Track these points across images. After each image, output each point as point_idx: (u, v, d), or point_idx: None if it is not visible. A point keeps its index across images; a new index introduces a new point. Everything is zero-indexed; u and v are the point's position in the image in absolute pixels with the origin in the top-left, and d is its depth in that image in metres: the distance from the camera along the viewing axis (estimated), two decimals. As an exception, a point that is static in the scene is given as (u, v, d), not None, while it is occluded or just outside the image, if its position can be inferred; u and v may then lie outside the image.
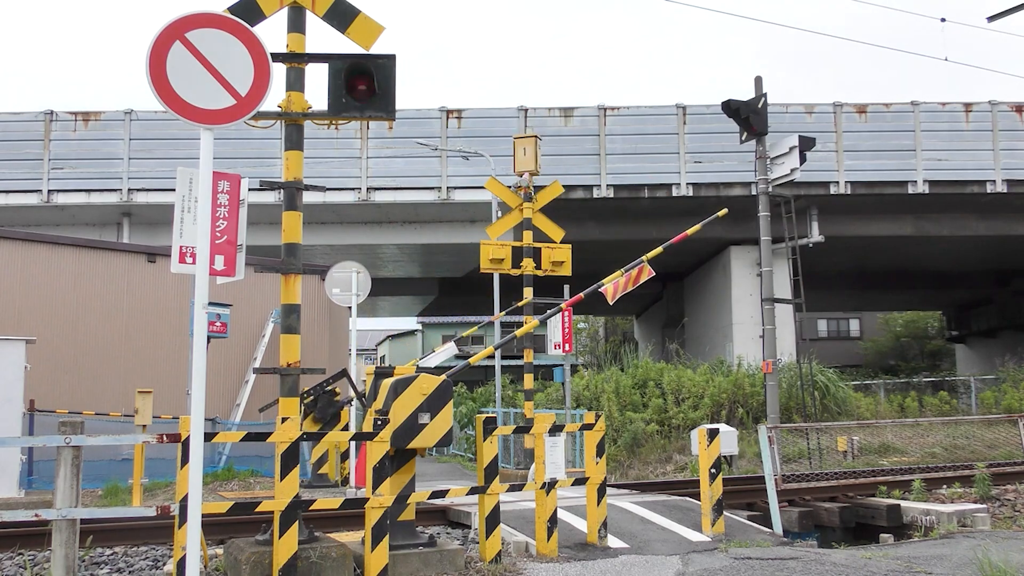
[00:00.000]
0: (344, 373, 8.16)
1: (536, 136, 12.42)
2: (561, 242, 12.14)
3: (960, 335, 40.10)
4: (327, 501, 5.95)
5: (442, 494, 6.63)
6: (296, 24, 6.10)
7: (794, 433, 16.70)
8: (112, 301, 17.42)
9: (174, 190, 5.68)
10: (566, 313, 15.68)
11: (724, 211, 9.51)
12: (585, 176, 23.38)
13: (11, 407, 12.29)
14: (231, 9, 5.85)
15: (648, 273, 8.53)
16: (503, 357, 22.11)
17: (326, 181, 20.98)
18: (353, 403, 11.79)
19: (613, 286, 8.35)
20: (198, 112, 4.86)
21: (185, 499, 4.88)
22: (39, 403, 14.09)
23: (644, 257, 8.64)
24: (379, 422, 5.89)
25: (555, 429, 7.20)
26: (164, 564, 6.80)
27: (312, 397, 10.35)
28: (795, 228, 17.60)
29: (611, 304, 8.42)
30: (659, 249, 8.95)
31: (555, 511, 6.93)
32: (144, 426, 11.50)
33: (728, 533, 7.89)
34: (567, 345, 15.64)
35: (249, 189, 6.10)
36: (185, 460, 5.05)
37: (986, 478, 10.76)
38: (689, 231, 9.18)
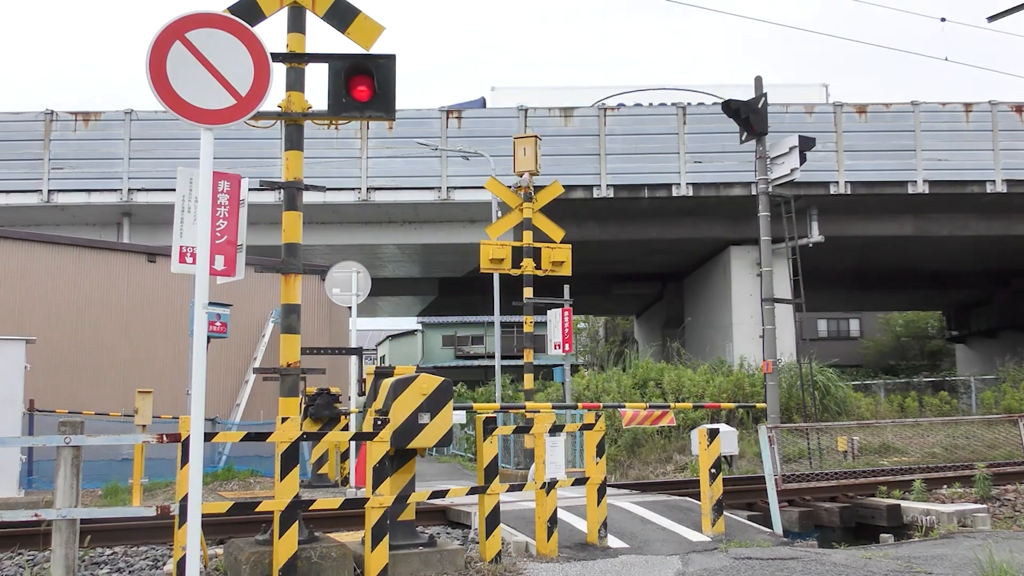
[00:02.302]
0: (358, 351, 8.15)
1: (536, 136, 12.40)
2: (561, 242, 12.13)
3: (960, 335, 40.08)
4: (327, 501, 5.95)
5: (442, 494, 6.63)
6: (296, 24, 6.10)
7: (794, 433, 16.70)
8: (112, 301, 17.41)
9: (174, 190, 5.68)
10: (566, 313, 15.70)
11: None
12: (585, 176, 23.37)
13: (11, 407, 12.28)
14: (231, 9, 5.84)
15: (669, 420, 8.71)
16: (503, 357, 22.12)
17: (326, 181, 20.94)
18: (351, 411, 11.81)
19: (634, 414, 8.47)
20: (198, 112, 4.86)
21: (185, 499, 4.88)
22: (39, 403, 14.08)
23: (672, 406, 8.82)
24: (379, 422, 5.90)
25: (555, 429, 7.20)
26: (164, 564, 6.80)
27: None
28: (795, 228, 17.59)
29: (625, 426, 8.60)
30: (688, 405, 9.27)
31: (555, 511, 6.92)
32: (144, 426, 11.50)
33: (728, 533, 7.89)
34: (567, 345, 15.64)
35: (249, 189, 6.09)
36: (185, 460, 5.04)
37: (986, 478, 10.75)
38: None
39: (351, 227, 24.95)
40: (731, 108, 15.20)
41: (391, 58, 6.12)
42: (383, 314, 46.98)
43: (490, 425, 6.61)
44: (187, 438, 5.09)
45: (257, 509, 5.65)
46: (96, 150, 23.34)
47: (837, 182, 23.42)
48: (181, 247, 5.59)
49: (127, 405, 14.08)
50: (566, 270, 12.08)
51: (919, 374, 32.32)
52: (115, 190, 23.07)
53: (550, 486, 6.93)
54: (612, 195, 23.41)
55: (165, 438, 5.47)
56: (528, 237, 11.84)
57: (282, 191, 6.05)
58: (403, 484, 6.25)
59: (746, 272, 24.95)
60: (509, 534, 7.39)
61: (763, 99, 15.28)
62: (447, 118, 23.59)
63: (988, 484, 10.72)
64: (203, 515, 4.84)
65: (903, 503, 9.99)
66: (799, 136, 15.18)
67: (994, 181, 23.33)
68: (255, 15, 5.94)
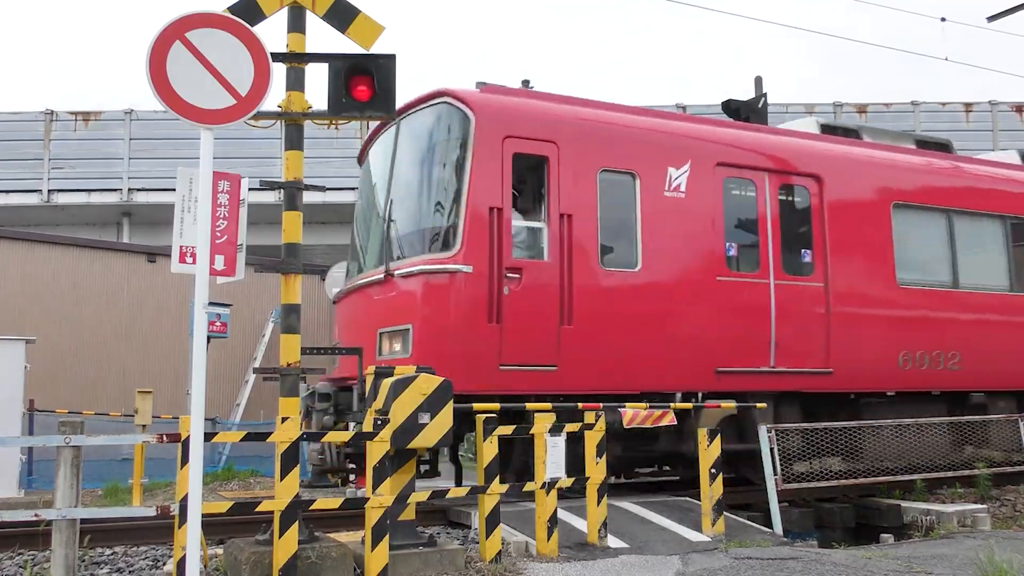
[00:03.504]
0: (359, 351, 8.22)
1: (536, 136, 12.36)
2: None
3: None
4: (327, 501, 5.96)
5: (442, 494, 6.63)
6: (296, 24, 6.10)
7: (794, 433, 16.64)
8: (112, 301, 17.41)
9: (174, 190, 5.68)
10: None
11: None
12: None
13: (11, 407, 12.29)
14: (231, 9, 5.84)
15: (669, 420, 8.67)
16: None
17: (326, 181, 20.88)
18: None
19: (634, 414, 8.45)
20: (198, 112, 4.87)
21: (185, 499, 4.88)
22: (39, 403, 14.09)
23: (672, 406, 8.76)
24: (379, 422, 5.90)
25: (555, 429, 7.20)
26: (164, 564, 6.79)
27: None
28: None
29: (625, 426, 8.46)
30: (688, 404, 9.23)
31: (555, 511, 6.92)
32: (144, 426, 11.50)
33: (728, 533, 7.88)
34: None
35: (249, 189, 6.09)
36: (185, 460, 5.05)
37: (987, 478, 10.74)
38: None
39: (351, 227, 24.92)
40: (731, 108, 15.16)
41: (391, 58, 6.12)
42: (383, 314, 46.88)
43: (490, 425, 6.61)
44: (187, 438, 5.09)
45: (257, 509, 5.65)
46: (96, 150, 23.36)
47: (837, 182, 23.41)
48: (181, 247, 5.59)
49: (127, 405, 14.09)
50: (566, 270, 12.06)
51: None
52: (115, 190, 23.08)
53: (550, 486, 6.93)
54: (612, 195, 23.38)
55: (165, 438, 5.47)
56: (528, 237, 11.82)
57: (282, 191, 6.05)
58: (403, 484, 6.25)
59: (746, 272, 24.93)
60: (509, 534, 7.38)
61: (763, 99, 15.25)
62: (447, 118, 23.56)
63: (989, 484, 10.72)
64: (203, 515, 4.84)
65: (903, 503, 9.98)
66: (799, 136, 15.13)
67: (994, 181, 23.33)
68: (255, 15, 5.94)
